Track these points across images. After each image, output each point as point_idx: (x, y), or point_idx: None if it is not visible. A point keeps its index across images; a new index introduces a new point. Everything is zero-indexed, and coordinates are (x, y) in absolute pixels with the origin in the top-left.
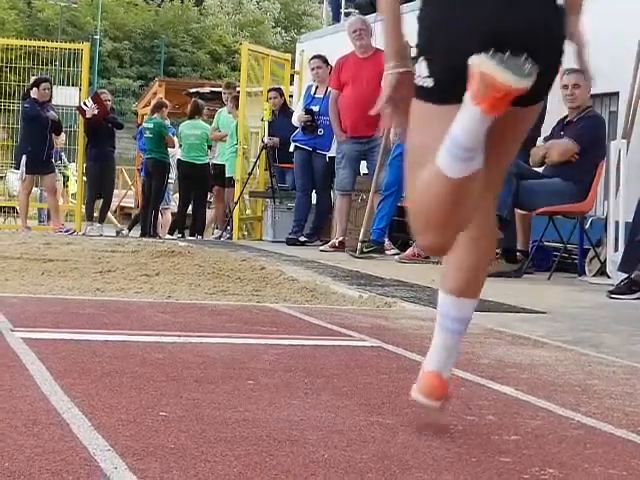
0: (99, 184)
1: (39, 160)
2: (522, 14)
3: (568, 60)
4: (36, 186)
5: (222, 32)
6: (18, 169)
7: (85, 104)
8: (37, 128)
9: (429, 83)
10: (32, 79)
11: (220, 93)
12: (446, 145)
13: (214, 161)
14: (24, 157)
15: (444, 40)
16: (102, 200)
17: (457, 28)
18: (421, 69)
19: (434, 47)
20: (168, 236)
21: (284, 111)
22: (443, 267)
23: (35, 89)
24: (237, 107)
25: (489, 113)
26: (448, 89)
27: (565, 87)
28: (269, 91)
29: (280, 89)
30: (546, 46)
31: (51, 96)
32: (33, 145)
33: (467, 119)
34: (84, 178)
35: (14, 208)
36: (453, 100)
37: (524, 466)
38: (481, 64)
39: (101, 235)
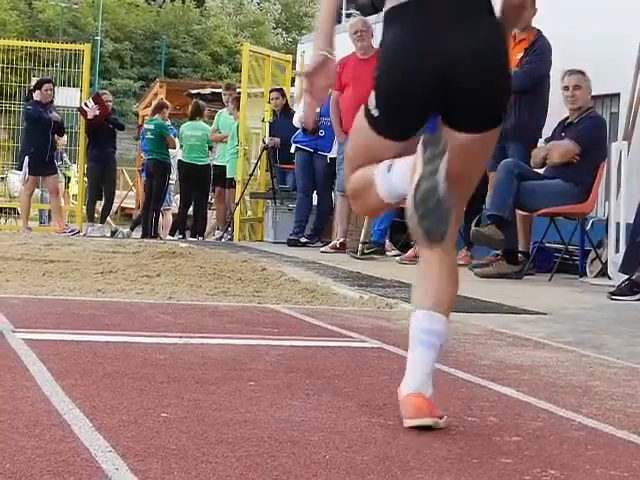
0: (100, 185)
1: (42, 161)
2: (464, 61)
3: (570, 62)
4: (37, 187)
5: (223, 33)
6: (21, 170)
7: (86, 105)
8: (40, 129)
9: (375, 112)
10: (33, 80)
11: (221, 94)
12: (386, 180)
13: (214, 162)
14: (27, 158)
15: (389, 81)
16: (104, 201)
17: (402, 73)
18: (371, 98)
19: (381, 84)
20: (169, 237)
21: (285, 112)
22: (415, 286)
23: (38, 91)
24: (238, 108)
25: None
26: (387, 125)
27: (566, 88)
28: (271, 91)
29: (282, 89)
30: (492, 76)
31: (54, 97)
32: (36, 146)
33: (401, 183)
34: (85, 179)
35: (15, 209)
36: (389, 136)
37: (525, 467)
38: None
39: (104, 236)
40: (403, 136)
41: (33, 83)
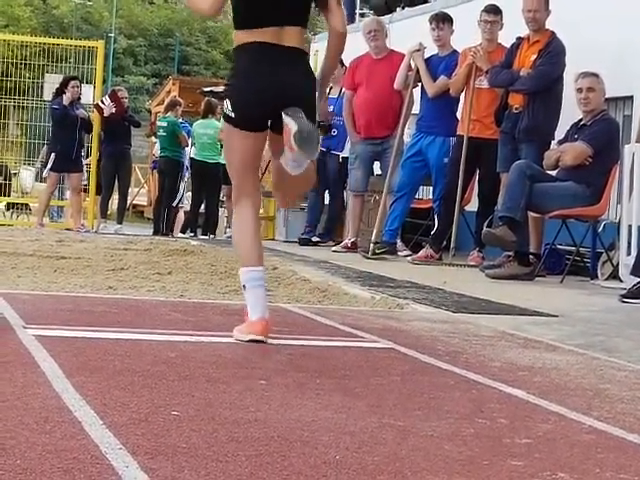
0: (114, 182)
1: (68, 158)
2: (288, 87)
3: (584, 64)
4: (41, 181)
5: None
6: (44, 166)
7: (102, 102)
8: (67, 127)
9: (232, 115)
10: (47, 76)
11: None
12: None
13: (223, 161)
14: (53, 155)
15: (242, 96)
16: (117, 199)
17: (252, 92)
18: (227, 104)
19: (236, 97)
20: (180, 235)
21: None
22: (240, 250)
23: (66, 93)
24: None
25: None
26: (242, 122)
27: (579, 90)
28: None
29: None
30: (303, 101)
31: (80, 94)
32: (62, 144)
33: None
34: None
35: (27, 205)
36: (244, 128)
37: (535, 470)
38: (289, 132)
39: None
40: (254, 129)
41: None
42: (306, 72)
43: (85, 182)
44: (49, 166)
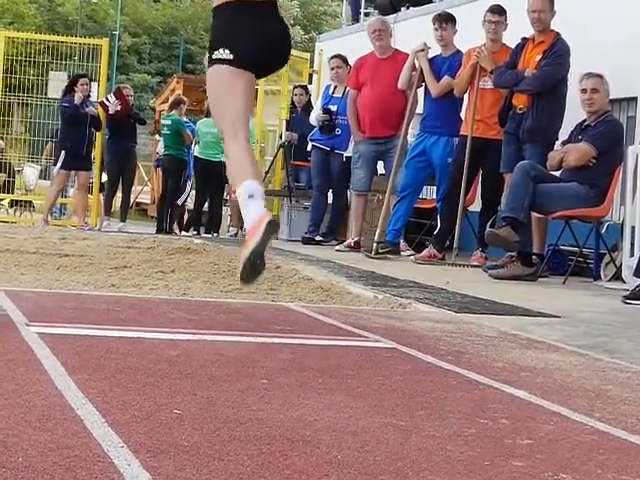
0: (118, 179)
1: (79, 156)
2: (279, 35)
3: (588, 65)
4: (44, 179)
5: None
6: (54, 164)
7: (107, 99)
8: (77, 125)
9: (229, 56)
10: (51, 74)
11: None
12: (243, 202)
13: (224, 159)
14: (63, 152)
15: (241, 42)
16: (121, 196)
17: (246, 38)
18: (225, 52)
19: (233, 44)
20: (183, 233)
21: (306, 109)
22: (235, 169)
23: (77, 93)
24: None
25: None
26: (239, 62)
27: (583, 91)
28: (295, 87)
29: (306, 87)
30: (287, 48)
31: (90, 91)
32: (72, 141)
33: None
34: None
35: (30, 202)
36: (240, 66)
37: (537, 471)
38: (242, 253)
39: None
40: (248, 68)
41: (70, 80)
42: (284, 21)
43: (92, 179)
44: (59, 164)
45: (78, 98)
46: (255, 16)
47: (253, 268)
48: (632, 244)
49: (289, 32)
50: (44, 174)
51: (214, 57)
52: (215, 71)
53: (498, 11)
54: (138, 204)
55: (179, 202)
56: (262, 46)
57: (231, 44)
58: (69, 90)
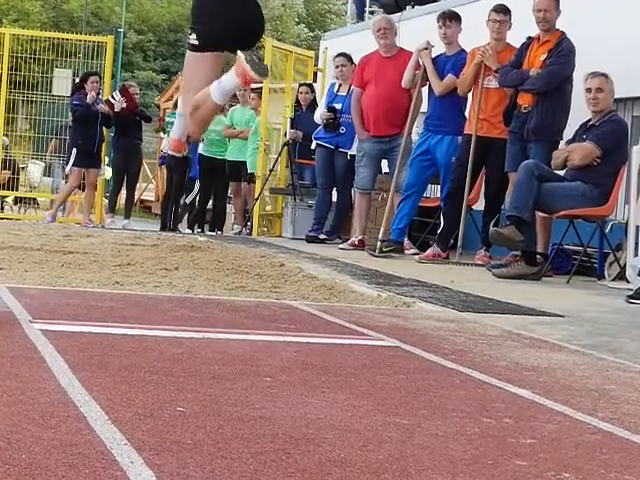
0: (123, 177)
1: (90, 154)
2: (252, 16)
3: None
4: (48, 176)
5: None
6: (66, 162)
7: (113, 97)
8: (88, 122)
9: (195, 42)
10: (55, 71)
11: None
12: (218, 85)
13: (229, 159)
14: (74, 150)
15: (208, 25)
16: (125, 194)
17: (215, 20)
18: (193, 36)
19: (199, 29)
20: (188, 231)
21: (312, 107)
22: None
23: (89, 93)
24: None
25: (242, 85)
26: (205, 47)
27: (588, 90)
28: (300, 86)
29: (311, 85)
30: (259, 28)
31: (100, 89)
32: (84, 139)
33: (230, 82)
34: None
35: (35, 199)
36: (207, 50)
37: (540, 470)
38: (243, 62)
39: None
40: (215, 49)
41: (80, 77)
42: (255, 3)
43: (102, 175)
44: (71, 162)
45: (91, 98)
46: (225, 1)
47: (257, 61)
48: (636, 244)
49: (260, 13)
50: (48, 171)
51: (189, 42)
52: (187, 58)
53: (502, 10)
54: (142, 201)
55: (187, 200)
56: (229, 27)
57: (198, 29)
58: (79, 88)
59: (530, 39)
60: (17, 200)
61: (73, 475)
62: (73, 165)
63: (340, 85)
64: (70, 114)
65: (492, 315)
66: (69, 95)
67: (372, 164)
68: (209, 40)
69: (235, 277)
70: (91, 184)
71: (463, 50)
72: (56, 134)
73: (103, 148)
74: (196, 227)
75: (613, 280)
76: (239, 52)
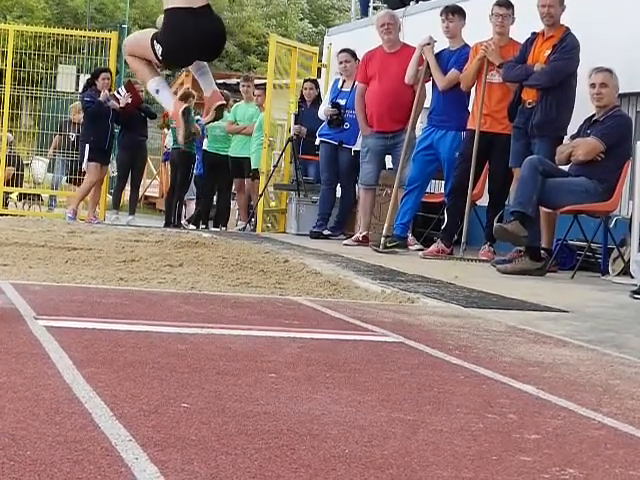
0: (128, 173)
1: (102, 150)
2: (213, 33)
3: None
4: (51, 172)
5: (255, 24)
6: (43, 156)
7: (118, 92)
8: (99, 119)
9: (159, 52)
10: (59, 67)
11: None
12: (156, 84)
13: (232, 155)
14: (87, 147)
15: (177, 42)
16: (130, 190)
17: (177, 34)
18: (158, 47)
19: (170, 42)
20: (192, 227)
21: (316, 103)
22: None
23: (102, 92)
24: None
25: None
26: (166, 60)
27: (592, 86)
28: (305, 82)
29: (316, 81)
30: (217, 40)
31: (111, 86)
32: (96, 135)
33: (164, 99)
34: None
35: (39, 195)
36: (164, 64)
37: (544, 465)
38: (179, 113)
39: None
40: (169, 64)
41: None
42: (217, 21)
43: (114, 172)
44: (86, 158)
45: (104, 95)
46: (190, 22)
47: (189, 128)
48: None
49: (222, 31)
50: (52, 167)
51: (154, 44)
52: (147, 49)
53: (505, 4)
54: (146, 197)
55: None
56: (190, 46)
57: (164, 47)
58: (90, 84)
59: (535, 35)
60: (21, 196)
61: (78, 471)
62: (89, 160)
63: (344, 81)
64: (69, 110)
65: (496, 311)
66: (73, 92)
67: (376, 160)
68: (170, 57)
69: (239, 273)
70: (100, 180)
71: (467, 45)
72: (59, 130)
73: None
74: (200, 223)
75: (617, 275)
76: (184, 106)
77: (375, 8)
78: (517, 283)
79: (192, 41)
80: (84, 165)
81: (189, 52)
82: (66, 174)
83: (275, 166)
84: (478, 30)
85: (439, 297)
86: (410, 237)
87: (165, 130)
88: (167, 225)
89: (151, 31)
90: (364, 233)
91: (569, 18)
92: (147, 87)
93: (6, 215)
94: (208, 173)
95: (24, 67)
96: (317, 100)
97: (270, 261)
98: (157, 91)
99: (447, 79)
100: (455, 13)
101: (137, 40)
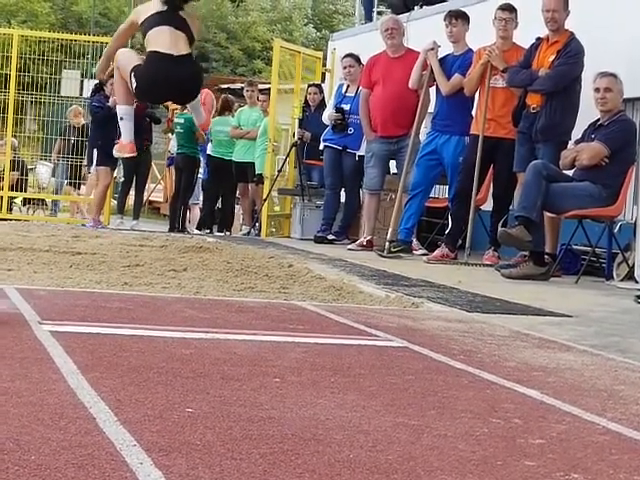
0: (133, 177)
1: (109, 154)
2: (181, 76)
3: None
4: (55, 176)
5: (260, 29)
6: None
7: None
8: (107, 124)
9: (133, 86)
10: (63, 72)
11: None
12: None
13: (236, 159)
14: (95, 151)
15: (149, 83)
16: (134, 195)
17: (151, 75)
18: (133, 81)
19: (143, 82)
20: (196, 231)
21: (320, 107)
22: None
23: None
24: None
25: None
26: (138, 95)
27: (597, 90)
28: (309, 86)
29: (320, 85)
30: (191, 87)
31: None
32: (103, 140)
33: (126, 131)
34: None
35: (43, 200)
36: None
37: (549, 470)
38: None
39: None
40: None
41: (63, 75)
42: (193, 67)
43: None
44: (94, 163)
45: (113, 101)
46: (165, 67)
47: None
48: None
49: (196, 78)
50: (54, 172)
51: (132, 77)
52: (127, 77)
53: (508, 8)
54: (151, 202)
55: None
56: (160, 89)
57: (137, 83)
58: (98, 89)
59: (539, 40)
60: (25, 201)
61: (82, 476)
62: (99, 165)
63: (348, 86)
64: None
65: (500, 315)
66: (77, 96)
67: (380, 165)
68: (141, 94)
69: (244, 278)
70: (106, 185)
71: (471, 50)
72: (61, 134)
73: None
74: (204, 228)
75: (622, 280)
76: (132, 155)
77: (379, 13)
78: (521, 288)
79: (163, 85)
80: (92, 169)
81: (159, 94)
82: (67, 178)
83: (279, 171)
84: (482, 35)
85: (443, 302)
86: (414, 242)
87: (169, 135)
88: (171, 230)
89: (136, 59)
90: (368, 238)
91: (572, 23)
92: (116, 108)
93: (10, 220)
94: (212, 178)
95: (28, 72)
96: (321, 105)
97: (274, 266)
98: (121, 118)
99: (451, 84)
100: (459, 18)
101: (124, 62)
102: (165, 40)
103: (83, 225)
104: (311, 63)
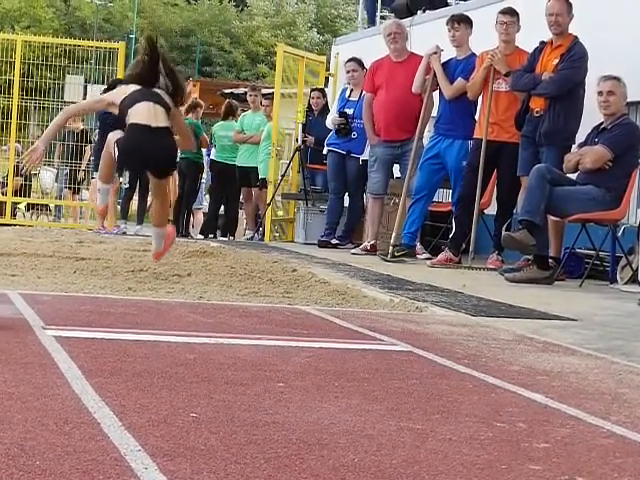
0: (136, 182)
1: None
2: (155, 143)
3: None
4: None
5: (264, 34)
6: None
7: None
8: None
9: (115, 155)
10: (67, 78)
11: None
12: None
13: (239, 164)
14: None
15: (128, 154)
16: (137, 200)
17: (129, 144)
18: (115, 150)
19: (124, 152)
20: (200, 236)
21: (323, 112)
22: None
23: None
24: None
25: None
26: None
27: (600, 94)
28: (312, 91)
29: (323, 90)
30: (164, 160)
31: None
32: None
33: (102, 199)
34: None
35: (47, 206)
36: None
37: (553, 474)
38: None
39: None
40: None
41: (66, 80)
42: (169, 142)
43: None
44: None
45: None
46: (141, 137)
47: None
48: None
49: (169, 148)
50: (57, 177)
51: (114, 146)
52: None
53: (510, 12)
54: None
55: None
56: (137, 158)
57: (118, 152)
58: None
59: (543, 44)
60: (29, 207)
61: None
62: None
63: (351, 90)
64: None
65: (505, 319)
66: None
67: (384, 169)
68: (121, 161)
69: (247, 282)
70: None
71: (474, 54)
72: (62, 140)
73: None
74: (208, 233)
75: (625, 284)
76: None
77: (382, 17)
78: (525, 292)
79: (138, 154)
80: (97, 175)
81: (136, 163)
82: (66, 183)
83: (283, 175)
84: (485, 39)
85: (447, 306)
86: (418, 246)
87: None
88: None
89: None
90: (372, 242)
91: (575, 27)
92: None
93: (14, 225)
94: (216, 182)
95: (32, 77)
96: (325, 109)
97: (278, 270)
98: (99, 190)
99: (454, 88)
100: (462, 22)
101: (114, 138)
102: (144, 113)
103: (100, 231)
104: (314, 67)
